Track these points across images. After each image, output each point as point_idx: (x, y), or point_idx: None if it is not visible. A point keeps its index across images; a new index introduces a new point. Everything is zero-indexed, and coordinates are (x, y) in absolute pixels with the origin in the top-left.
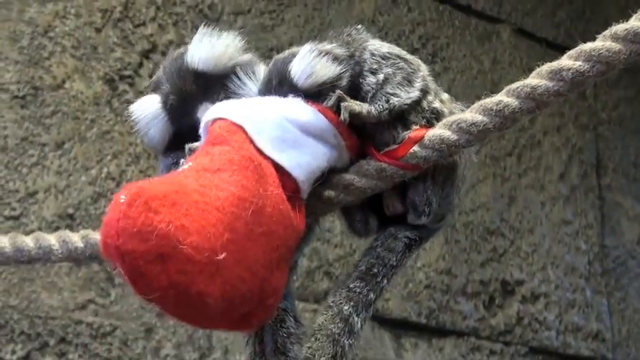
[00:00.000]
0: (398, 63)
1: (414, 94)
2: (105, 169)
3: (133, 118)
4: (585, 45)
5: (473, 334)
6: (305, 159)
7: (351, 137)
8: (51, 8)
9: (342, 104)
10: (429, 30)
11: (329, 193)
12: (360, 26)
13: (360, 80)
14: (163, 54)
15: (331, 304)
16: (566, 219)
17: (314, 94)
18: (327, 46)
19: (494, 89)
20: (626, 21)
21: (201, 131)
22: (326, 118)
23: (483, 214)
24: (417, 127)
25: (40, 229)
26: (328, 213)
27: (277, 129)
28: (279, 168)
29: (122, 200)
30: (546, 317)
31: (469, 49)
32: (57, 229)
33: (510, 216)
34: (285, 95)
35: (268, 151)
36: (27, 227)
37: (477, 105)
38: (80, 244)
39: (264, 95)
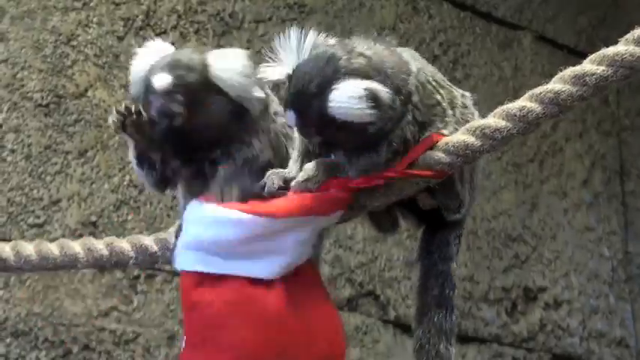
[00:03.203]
0: (438, 111)
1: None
2: (127, 177)
3: None
4: (608, 49)
5: (495, 341)
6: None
7: (336, 198)
8: (74, 17)
9: None
10: (449, 37)
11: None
12: (405, 58)
13: (403, 127)
14: None
15: (426, 346)
16: (590, 225)
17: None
18: (376, 85)
19: (516, 96)
20: None
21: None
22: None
23: (505, 220)
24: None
25: (63, 236)
26: (354, 218)
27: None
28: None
29: None
30: (569, 324)
31: (490, 56)
32: (80, 236)
33: (532, 222)
34: (311, 103)
35: None
36: (50, 235)
37: (499, 110)
38: (105, 252)
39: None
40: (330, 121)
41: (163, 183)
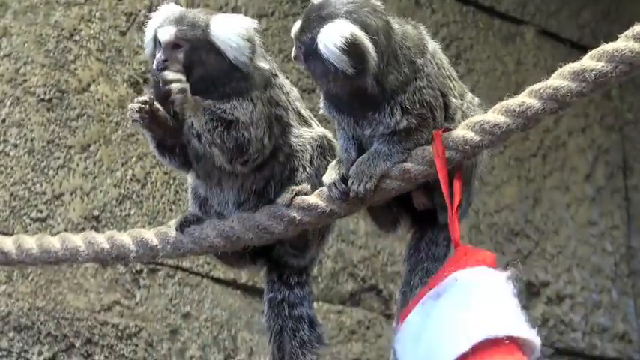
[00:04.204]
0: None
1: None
2: (130, 172)
3: None
4: (607, 45)
5: None
6: None
7: None
8: (76, 12)
9: None
10: (452, 31)
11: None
12: (424, 36)
13: (414, 92)
14: None
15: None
16: (592, 220)
17: None
18: (361, 35)
19: (518, 91)
20: None
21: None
22: None
23: (508, 215)
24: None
25: (66, 230)
26: (354, 213)
27: None
28: None
29: None
30: (572, 318)
31: (493, 50)
32: (83, 230)
33: (535, 217)
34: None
35: None
36: (53, 229)
37: (499, 106)
38: (106, 245)
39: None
40: (314, 50)
41: (187, 165)
